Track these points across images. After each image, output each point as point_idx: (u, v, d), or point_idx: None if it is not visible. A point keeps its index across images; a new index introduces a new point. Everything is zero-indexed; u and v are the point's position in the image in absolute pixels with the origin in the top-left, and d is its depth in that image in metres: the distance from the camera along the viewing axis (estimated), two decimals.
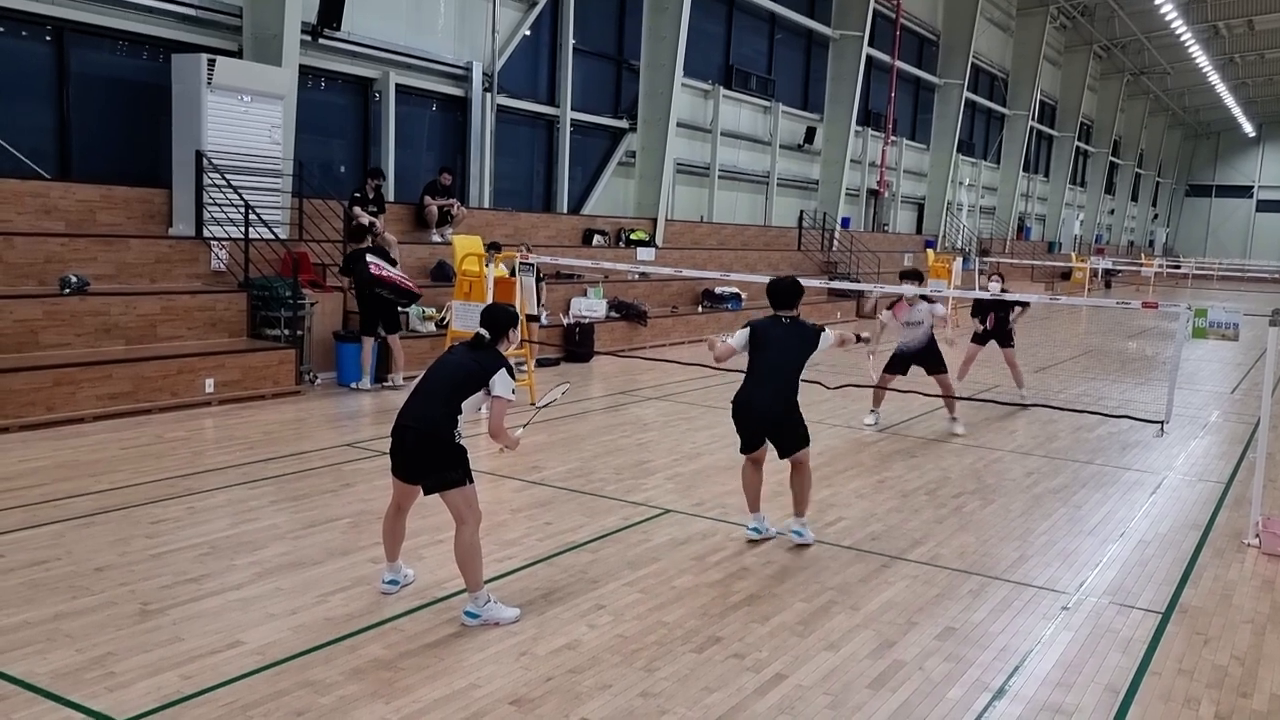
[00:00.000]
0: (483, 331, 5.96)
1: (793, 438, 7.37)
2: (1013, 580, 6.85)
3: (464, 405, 5.76)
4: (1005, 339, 13.93)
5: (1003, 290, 13.75)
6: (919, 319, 11.85)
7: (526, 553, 6.93)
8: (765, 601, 6.23)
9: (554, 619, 5.81)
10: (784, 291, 7.47)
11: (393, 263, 13.27)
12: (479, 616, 5.69)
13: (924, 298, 11.99)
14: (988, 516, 8.39)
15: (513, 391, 5.88)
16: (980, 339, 14.06)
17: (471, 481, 5.84)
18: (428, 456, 5.77)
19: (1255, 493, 8.08)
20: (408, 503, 6.10)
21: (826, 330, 7.50)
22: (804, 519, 7.46)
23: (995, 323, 13.82)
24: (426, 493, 5.90)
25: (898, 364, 12.04)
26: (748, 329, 7.45)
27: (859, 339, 8.11)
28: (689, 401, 13.11)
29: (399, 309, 13.31)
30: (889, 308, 12.16)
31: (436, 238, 16.78)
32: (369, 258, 12.67)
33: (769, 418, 7.34)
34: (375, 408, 11.82)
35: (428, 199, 16.89)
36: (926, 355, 11.92)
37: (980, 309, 14.17)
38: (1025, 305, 13.95)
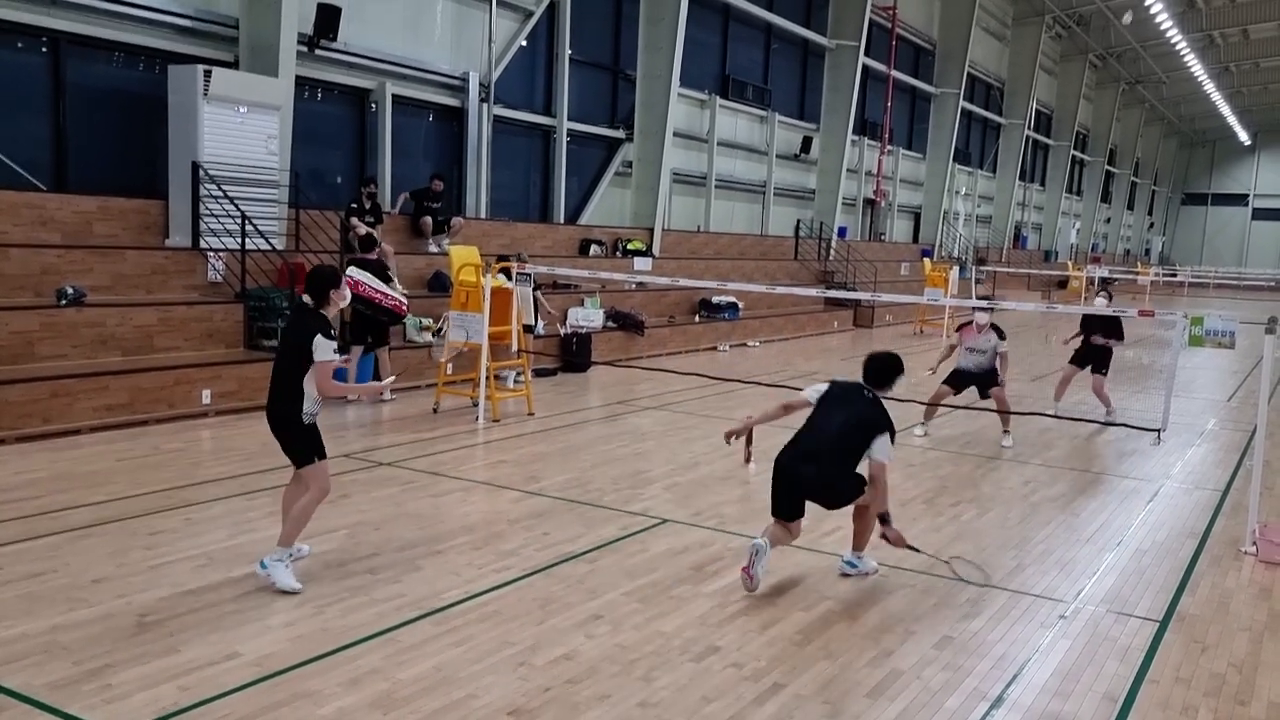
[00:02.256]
0: (305, 298, 6.36)
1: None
2: (1010, 589, 6.85)
3: (305, 382, 6.20)
4: (1101, 363, 13.17)
5: (1108, 308, 12.82)
6: (984, 348, 11.74)
7: (524, 563, 6.93)
8: (763, 611, 6.23)
9: (552, 629, 5.81)
10: (880, 369, 6.78)
11: (387, 279, 13.00)
12: (266, 569, 6.18)
13: (995, 328, 11.77)
14: (985, 525, 8.39)
15: (334, 350, 6.23)
16: (1079, 360, 13.39)
17: (321, 459, 6.36)
18: (286, 440, 6.35)
19: (1252, 500, 8.09)
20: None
21: (887, 444, 6.53)
22: (858, 553, 6.97)
23: (1091, 346, 13.12)
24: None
25: (956, 379, 12.00)
26: (826, 385, 6.89)
27: (886, 535, 6.74)
28: (686, 411, 13.11)
29: (385, 324, 12.82)
30: (958, 329, 12.21)
31: (432, 247, 16.76)
32: (347, 271, 12.52)
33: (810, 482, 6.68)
34: (368, 419, 11.81)
35: (403, 196, 16.89)
36: (984, 376, 11.83)
37: (1087, 325, 13.32)
38: (1118, 337, 13.22)
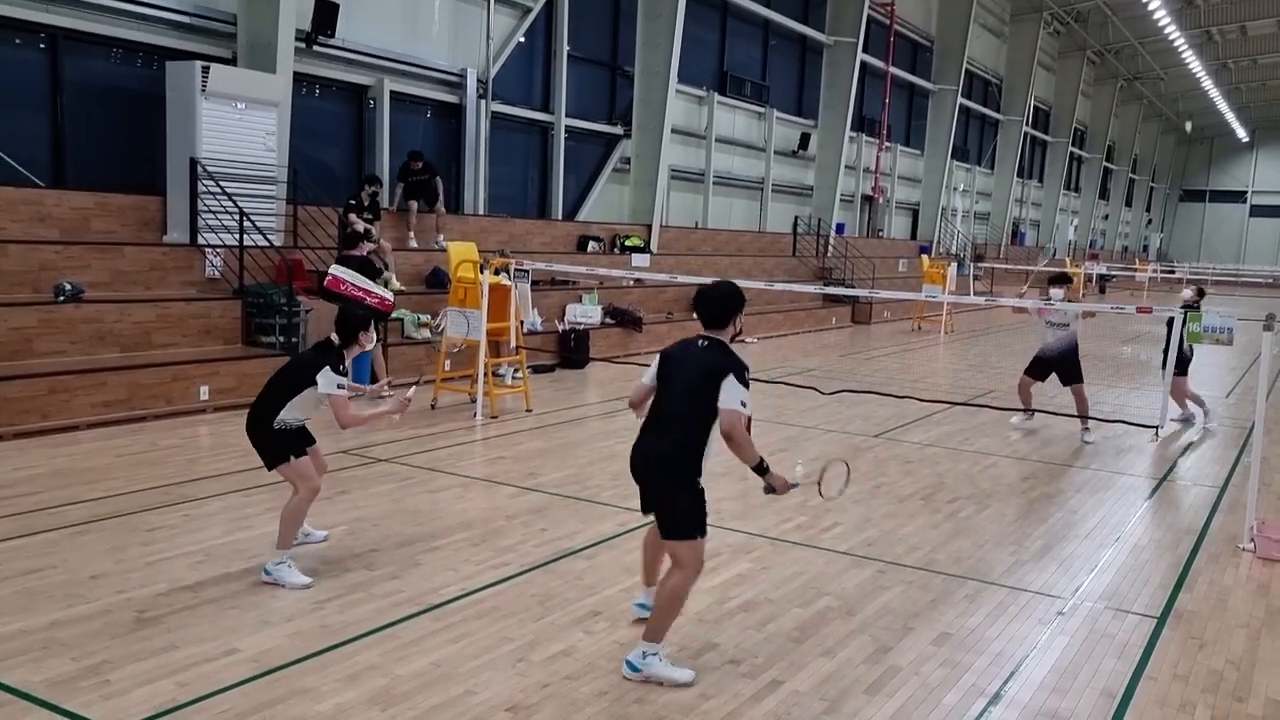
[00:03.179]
0: (333, 336, 6.55)
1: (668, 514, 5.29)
2: (1008, 585, 6.85)
3: (292, 401, 6.37)
4: (1180, 364, 12.40)
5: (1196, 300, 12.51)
6: (1064, 321, 11.98)
7: (522, 559, 6.93)
8: (761, 608, 6.23)
9: (550, 625, 5.81)
10: (712, 307, 5.43)
11: (374, 275, 12.82)
12: (271, 574, 6.26)
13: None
14: (983, 522, 8.40)
15: (339, 386, 6.34)
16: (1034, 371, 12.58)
17: (293, 458, 6.46)
18: (256, 443, 6.49)
19: (1250, 497, 8.10)
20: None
21: (734, 387, 5.10)
22: (651, 645, 5.22)
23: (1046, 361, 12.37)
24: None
25: (1037, 368, 12.24)
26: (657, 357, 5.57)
27: (772, 485, 5.33)
28: None
29: (373, 321, 12.74)
30: (1037, 311, 12.39)
31: (413, 242, 16.66)
32: (331, 268, 12.48)
33: (643, 473, 5.39)
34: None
35: (399, 189, 16.80)
36: (1065, 364, 12.07)
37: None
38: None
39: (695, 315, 5.46)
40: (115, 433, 10.27)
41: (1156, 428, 12.16)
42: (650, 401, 5.46)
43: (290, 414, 6.41)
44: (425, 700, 4.86)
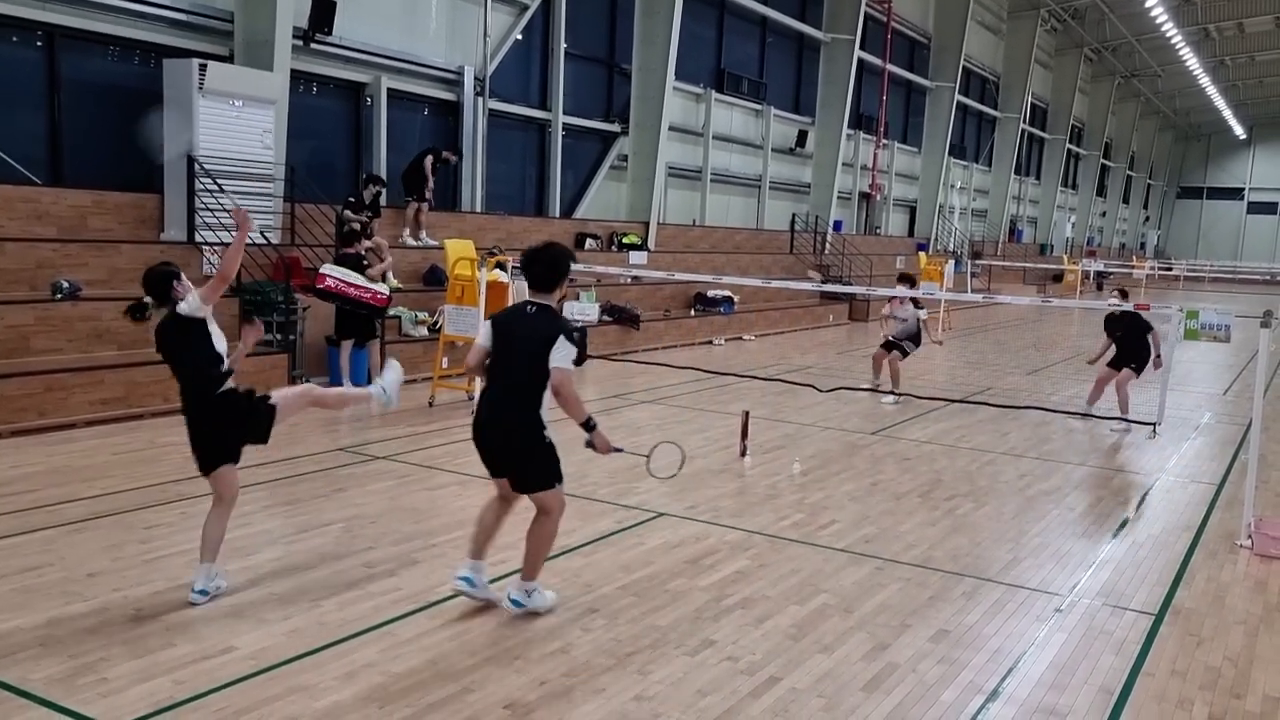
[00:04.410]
0: (146, 300, 6.02)
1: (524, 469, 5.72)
2: (1006, 582, 6.86)
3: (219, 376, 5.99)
4: (1133, 360, 12.59)
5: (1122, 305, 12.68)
6: (905, 316, 14.01)
7: (520, 557, 6.91)
8: (759, 605, 6.23)
9: (547, 622, 5.81)
10: (540, 269, 5.68)
11: (362, 270, 12.61)
12: (207, 593, 5.89)
13: (914, 301, 14.04)
14: (981, 519, 8.40)
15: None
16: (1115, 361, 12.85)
17: (233, 462, 6.08)
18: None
19: (1247, 494, 8.11)
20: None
21: (566, 349, 5.47)
22: (530, 583, 5.84)
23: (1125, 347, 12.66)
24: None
25: (889, 345, 14.17)
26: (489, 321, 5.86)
27: (594, 443, 5.75)
28: (682, 405, 13.11)
29: (367, 319, 12.62)
30: (888, 303, 14.39)
31: (410, 240, 16.66)
32: (323, 268, 12.47)
33: (494, 441, 5.74)
34: (364, 412, 11.79)
35: (428, 190, 16.72)
36: (901, 343, 14.05)
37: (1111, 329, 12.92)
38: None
39: (524, 277, 5.72)
40: (112, 430, 10.26)
41: (1154, 425, 12.17)
42: (487, 363, 5.74)
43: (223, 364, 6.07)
44: (423, 698, 4.86)
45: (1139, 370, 12.65)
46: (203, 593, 5.89)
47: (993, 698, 5.15)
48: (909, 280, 14.65)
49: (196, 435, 6.01)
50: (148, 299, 6.04)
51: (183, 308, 5.93)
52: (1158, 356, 12.44)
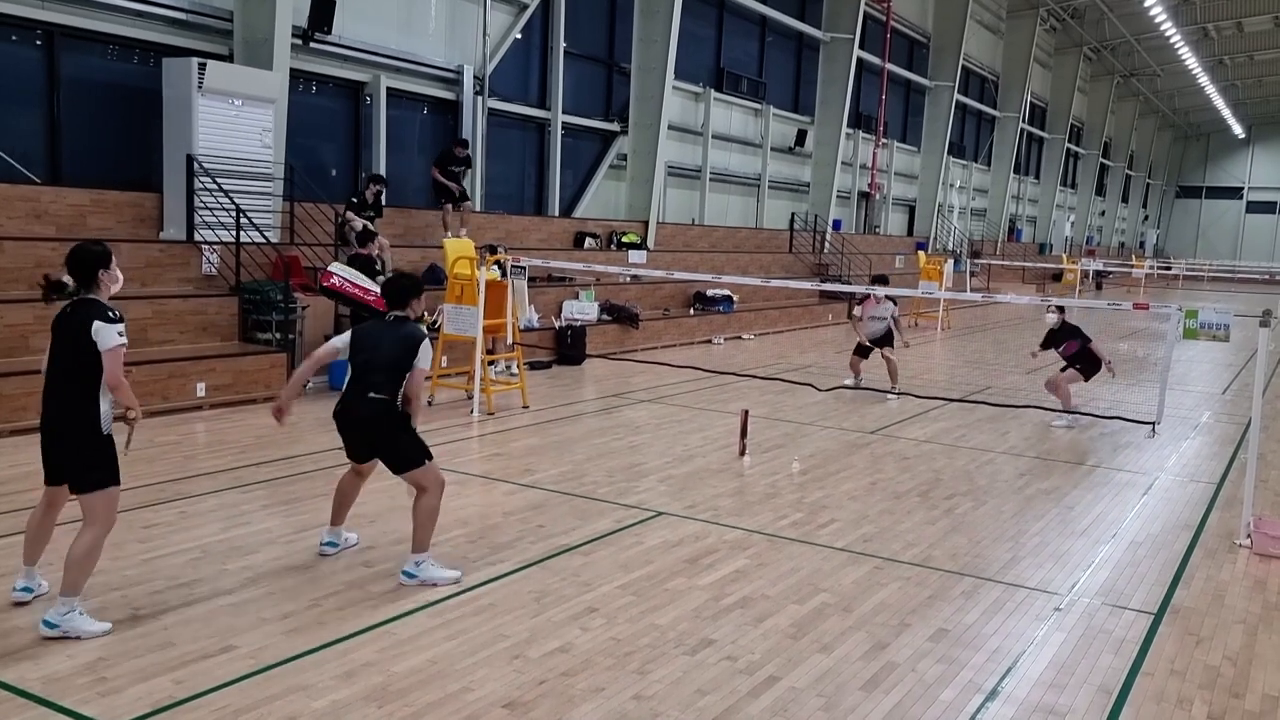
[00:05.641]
0: (65, 279, 5.35)
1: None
2: (1005, 582, 6.86)
3: (90, 385, 5.28)
4: (1085, 363, 12.73)
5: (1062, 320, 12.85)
6: (881, 315, 14.27)
7: (519, 556, 6.93)
8: (758, 604, 6.23)
9: (547, 622, 5.81)
10: (397, 292, 6.64)
11: (374, 274, 12.79)
12: (57, 626, 5.27)
13: (889, 298, 14.41)
14: (980, 518, 8.40)
15: (119, 335, 5.27)
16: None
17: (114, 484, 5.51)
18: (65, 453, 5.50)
19: (1246, 493, 8.11)
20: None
21: (428, 349, 6.47)
22: (419, 555, 6.39)
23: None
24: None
25: (862, 350, 14.52)
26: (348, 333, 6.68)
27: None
28: (681, 404, 13.11)
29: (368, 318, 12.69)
30: (859, 302, 14.60)
31: (448, 234, 16.52)
32: (331, 267, 12.48)
33: (361, 432, 6.50)
34: None
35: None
36: (880, 341, 14.36)
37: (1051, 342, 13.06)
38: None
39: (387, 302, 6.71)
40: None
41: (1153, 424, 12.17)
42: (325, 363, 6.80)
43: (105, 407, 5.38)
44: (421, 697, 4.86)
45: (1086, 373, 12.73)
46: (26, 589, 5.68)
47: (992, 697, 5.15)
48: (883, 280, 15.10)
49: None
50: (66, 278, 5.37)
51: (97, 328, 5.21)
52: (1109, 362, 12.68)
